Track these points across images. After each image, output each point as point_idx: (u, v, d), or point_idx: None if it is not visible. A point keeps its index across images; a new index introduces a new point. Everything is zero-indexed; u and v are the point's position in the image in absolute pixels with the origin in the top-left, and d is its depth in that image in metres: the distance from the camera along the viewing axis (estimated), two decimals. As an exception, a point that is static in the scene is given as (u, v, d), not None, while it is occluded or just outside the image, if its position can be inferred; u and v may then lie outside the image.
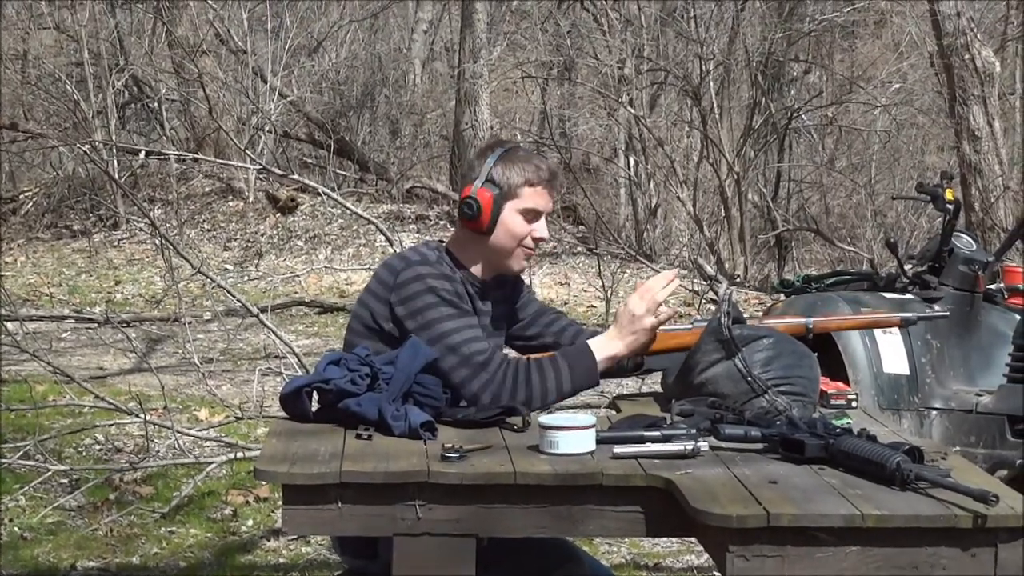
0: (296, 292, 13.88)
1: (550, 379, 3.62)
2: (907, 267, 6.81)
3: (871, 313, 5.94)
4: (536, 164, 3.78)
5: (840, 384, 3.81)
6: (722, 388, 3.52)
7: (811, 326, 3.84)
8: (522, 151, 3.84)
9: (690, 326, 3.81)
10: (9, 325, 8.06)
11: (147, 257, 15.79)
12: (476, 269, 3.80)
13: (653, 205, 16.70)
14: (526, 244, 3.78)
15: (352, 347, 3.66)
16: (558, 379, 3.62)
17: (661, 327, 3.77)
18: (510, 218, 3.75)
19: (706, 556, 5.59)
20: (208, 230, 16.71)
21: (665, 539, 6.14)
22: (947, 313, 4.67)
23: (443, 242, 3.85)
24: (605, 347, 3.72)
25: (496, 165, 3.74)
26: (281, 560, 6.00)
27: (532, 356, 3.74)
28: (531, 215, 3.77)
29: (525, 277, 4.05)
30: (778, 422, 3.27)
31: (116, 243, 16.58)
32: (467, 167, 3.83)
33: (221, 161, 15.10)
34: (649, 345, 3.75)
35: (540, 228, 3.79)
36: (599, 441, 3.20)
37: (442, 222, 16.25)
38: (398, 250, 3.82)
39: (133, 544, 6.18)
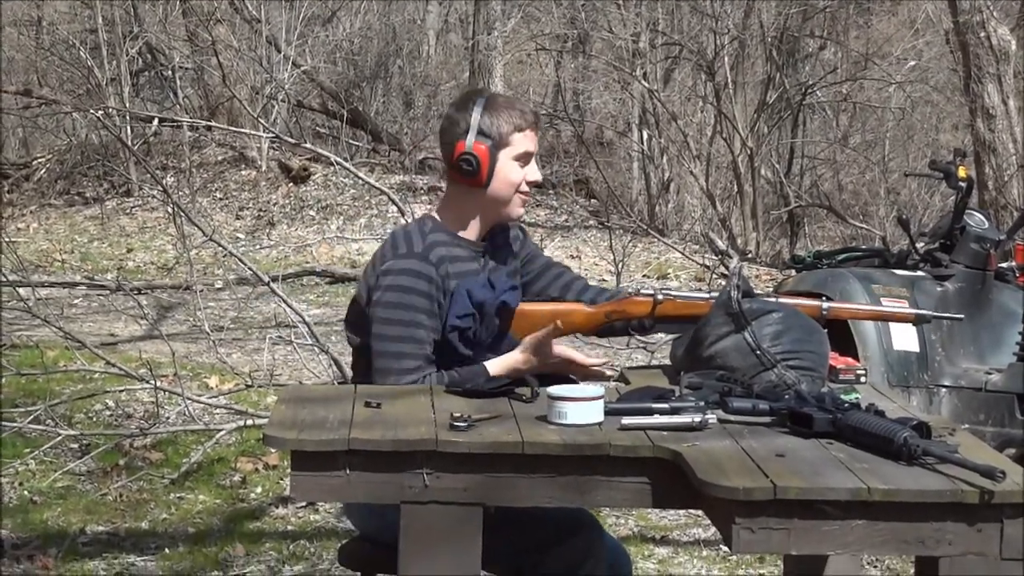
0: (307, 262, 13.89)
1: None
2: (919, 244, 6.80)
3: (886, 298, 5.96)
4: (520, 108, 3.79)
5: (849, 359, 3.81)
6: (731, 361, 3.52)
7: (826, 311, 3.84)
8: (501, 97, 3.84)
9: (706, 296, 3.82)
10: (21, 291, 8.07)
11: (159, 225, 15.80)
12: (473, 228, 3.80)
13: (666, 179, 16.68)
14: (522, 189, 3.79)
15: (355, 327, 3.73)
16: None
17: (676, 295, 3.80)
18: (506, 166, 3.75)
19: (713, 529, 5.61)
20: (220, 199, 16.71)
21: (672, 512, 6.15)
22: (961, 317, 4.69)
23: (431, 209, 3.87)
24: (499, 365, 3.72)
25: (483, 116, 3.73)
26: (289, 527, 6.03)
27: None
28: (524, 159, 3.78)
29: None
30: (786, 396, 3.28)
31: (128, 210, 16.59)
32: (448, 122, 3.79)
33: (234, 129, 15.11)
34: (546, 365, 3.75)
35: (532, 171, 3.81)
36: (607, 412, 3.21)
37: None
38: (402, 223, 3.83)
39: (142, 509, 6.21)
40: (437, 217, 3.81)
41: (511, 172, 3.76)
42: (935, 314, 4.23)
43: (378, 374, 3.62)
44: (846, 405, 3.16)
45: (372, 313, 3.65)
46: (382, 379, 3.61)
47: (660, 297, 3.83)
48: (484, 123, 3.72)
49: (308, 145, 10.22)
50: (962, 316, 4.71)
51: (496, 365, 3.68)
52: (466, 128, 3.73)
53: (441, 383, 3.57)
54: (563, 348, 3.76)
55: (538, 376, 3.58)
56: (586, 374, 3.79)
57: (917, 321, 4.13)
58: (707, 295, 3.82)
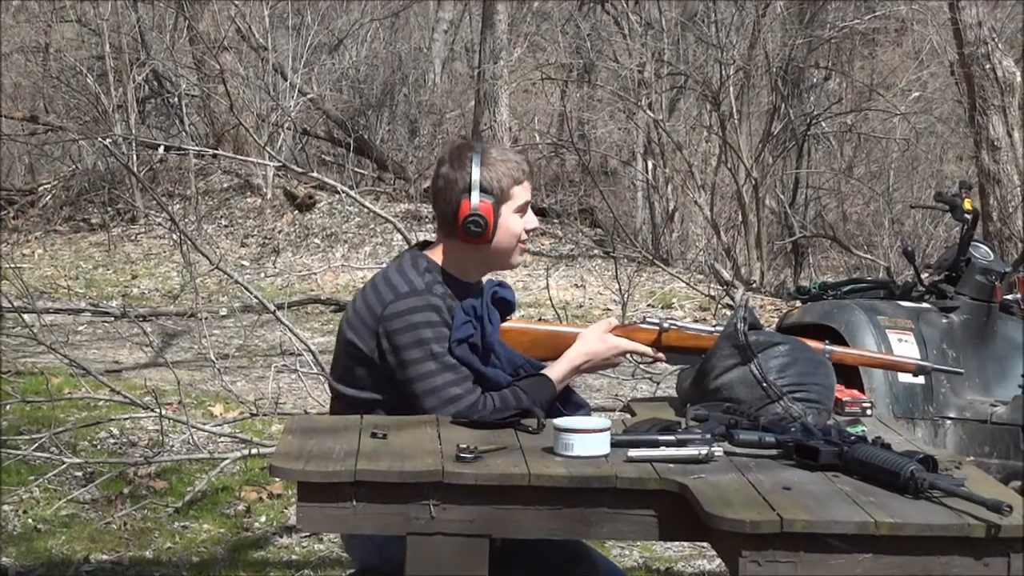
0: (312, 289, 13.90)
1: (514, 402, 3.63)
2: (924, 276, 6.80)
3: (892, 330, 5.96)
4: (515, 160, 3.78)
5: (855, 392, 3.81)
6: (737, 393, 3.52)
7: (828, 354, 3.83)
8: (494, 150, 3.80)
9: (712, 329, 3.82)
10: (26, 317, 8.08)
11: (164, 252, 15.81)
12: (474, 275, 3.81)
13: (670, 209, 16.69)
14: (522, 239, 3.81)
15: (348, 371, 3.71)
16: (518, 402, 3.63)
17: (683, 327, 3.82)
18: (508, 219, 3.75)
19: (718, 561, 5.60)
20: (226, 226, 16.73)
21: (677, 543, 6.13)
22: (961, 372, 4.70)
23: (422, 243, 3.86)
24: (560, 369, 3.75)
25: (482, 172, 3.71)
26: (293, 557, 6.02)
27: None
28: (523, 209, 3.79)
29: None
30: (792, 428, 3.28)
31: (134, 237, 16.60)
32: (444, 181, 3.74)
33: (240, 157, 15.13)
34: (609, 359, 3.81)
35: (531, 219, 3.82)
36: (614, 444, 3.21)
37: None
38: (387, 267, 3.81)
39: (146, 538, 6.20)
40: (435, 261, 3.78)
41: (513, 225, 3.76)
42: (935, 366, 4.24)
43: (434, 413, 3.60)
44: (852, 438, 3.16)
45: (398, 359, 3.62)
46: (445, 412, 3.60)
47: (666, 326, 3.85)
48: (485, 180, 3.71)
49: (314, 173, 10.24)
50: (962, 371, 4.73)
51: (557, 369, 3.72)
52: (466, 186, 3.71)
53: (507, 403, 3.58)
54: (616, 338, 3.80)
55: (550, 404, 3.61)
56: (642, 358, 3.87)
57: (918, 372, 4.15)
58: (712, 328, 3.82)
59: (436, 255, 3.79)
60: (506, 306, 3.85)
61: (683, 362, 3.85)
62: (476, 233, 3.71)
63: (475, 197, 3.70)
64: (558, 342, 3.79)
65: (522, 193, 3.77)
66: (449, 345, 3.63)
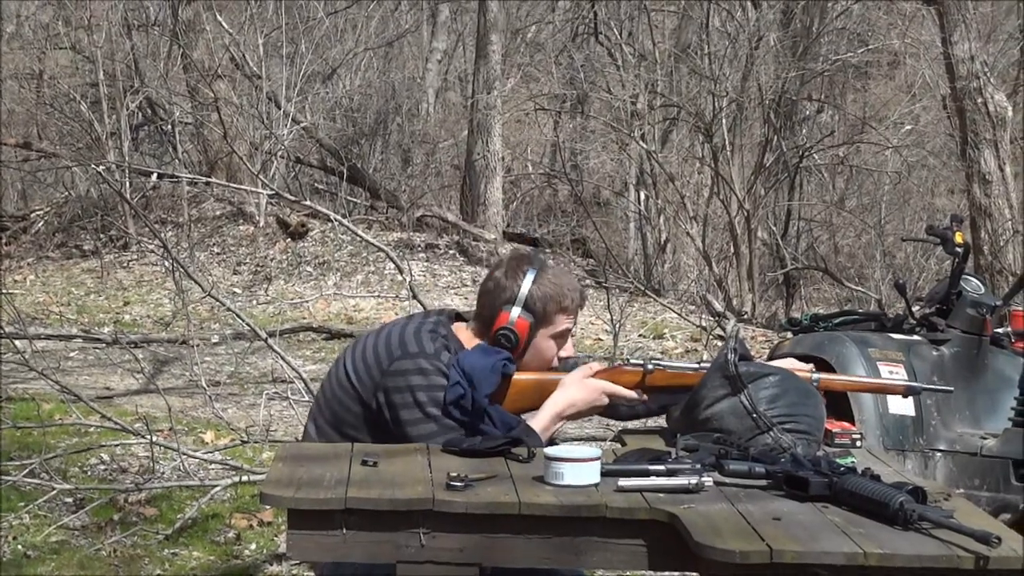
0: (304, 317, 13.89)
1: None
2: (915, 308, 6.81)
3: (882, 362, 5.96)
4: (569, 288, 3.75)
5: (845, 423, 3.82)
6: (727, 424, 3.53)
7: (815, 382, 3.82)
8: (551, 271, 3.76)
9: (696, 366, 3.81)
10: (18, 343, 8.08)
11: (156, 279, 15.81)
12: None
13: (663, 240, 16.73)
14: (552, 366, 3.79)
15: (340, 403, 3.71)
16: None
17: (666, 365, 3.79)
18: (543, 344, 3.74)
19: (707, 592, 5.58)
20: (218, 253, 16.74)
21: (667, 573, 6.13)
22: (951, 389, 4.71)
23: (455, 315, 3.83)
24: (542, 418, 3.72)
25: (531, 289, 3.69)
26: (283, 585, 6.01)
27: None
28: (561, 337, 3.77)
29: None
30: (783, 459, 3.28)
31: (126, 264, 16.61)
32: (494, 284, 3.74)
33: (233, 185, 15.16)
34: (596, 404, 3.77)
35: (567, 348, 3.80)
36: (604, 473, 3.21)
37: (451, 251, 16.26)
38: (409, 321, 3.83)
39: (136, 565, 6.18)
40: (458, 339, 3.76)
41: (546, 350, 3.76)
42: (925, 386, 4.23)
43: None
44: (842, 469, 3.17)
45: (393, 416, 3.63)
46: None
47: (651, 367, 3.82)
48: (531, 298, 3.69)
49: (307, 201, 10.26)
50: (951, 389, 4.73)
51: (541, 419, 3.69)
52: (511, 297, 3.69)
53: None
54: (598, 382, 3.76)
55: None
56: (627, 402, 3.80)
57: (907, 393, 4.14)
58: (697, 365, 3.81)
59: (461, 335, 3.78)
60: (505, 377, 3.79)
61: (669, 401, 3.84)
62: (505, 347, 3.69)
63: (515, 312, 3.69)
64: (544, 390, 3.75)
65: (565, 321, 3.75)
66: (445, 407, 3.62)
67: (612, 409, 3.90)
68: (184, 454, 7.08)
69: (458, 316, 3.85)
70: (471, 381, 3.62)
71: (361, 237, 9.15)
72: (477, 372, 3.63)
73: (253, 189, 14.46)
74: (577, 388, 3.74)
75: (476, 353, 3.67)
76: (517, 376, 3.75)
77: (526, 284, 3.69)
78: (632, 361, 3.85)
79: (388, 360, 3.64)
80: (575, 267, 16.15)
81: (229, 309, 8.00)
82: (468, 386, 3.63)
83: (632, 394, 3.79)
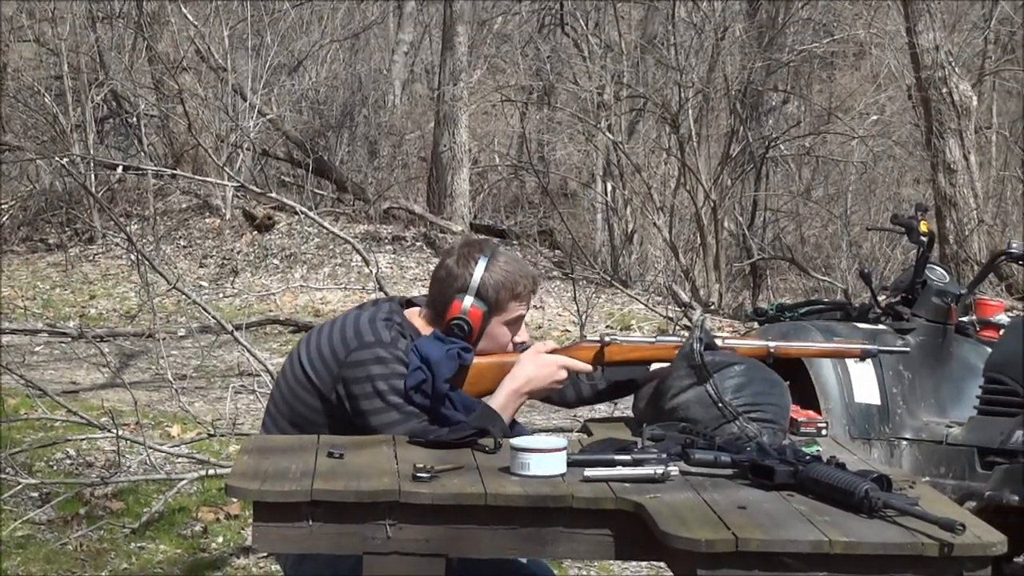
0: (271, 310, 13.86)
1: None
2: (880, 298, 6.84)
3: (838, 342, 5.98)
4: (521, 275, 3.73)
5: (811, 412, 3.83)
6: (693, 413, 3.53)
7: (772, 349, 3.84)
8: (502, 257, 3.74)
9: (652, 340, 3.81)
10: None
11: (122, 272, 15.74)
12: None
13: (629, 231, 16.74)
14: (507, 350, 3.78)
15: (297, 398, 3.69)
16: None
17: (623, 340, 3.79)
18: (497, 330, 3.73)
19: (675, 581, 5.60)
20: (184, 246, 16.67)
21: (634, 563, 6.14)
22: (907, 349, 4.71)
23: (406, 301, 3.82)
24: (500, 396, 3.70)
25: (483, 277, 3.67)
26: (250, 578, 6.00)
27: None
28: (515, 323, 3.76)
29: None
30: (748, 448, 3.29)
31: (91, 257, 16.53)
32: (445, 272, 3.71)
33: (199, 178, 15.10)
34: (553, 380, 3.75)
35: (521, 334, 3.79)
36: (570, 464, 3.21)
37: (419, 243, 16.24)
38: (362, 311, 3.82)
39: (103, 559, 6.17)
40: (412, 325, 3.75)
41: (501, 337, 3.74)
42: (881, 348, 4.23)
43: None
44: (807, 457, 3.18)
45: (354, 408, 3.61)
46: None
47: (607, 340, 3.81)
48: (483, 286, 3.67)
49: (273, 194, 10.24)
50: (908, 350, 4.72)
51: (499, 398, 3.66)
52: (463, 286, 3.67)
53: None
54: (553, 356, 3.75)
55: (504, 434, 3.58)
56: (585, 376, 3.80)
57: (864, 356, 4.15)
58: (653, 339, 3.81)
59: (415, 320, 3.77)
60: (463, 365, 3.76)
61: (627, 375, 3.86)
62: (459, 336, 3.68)
63: (468, 301, 3.67)
64: (504, 371, 3.73)
65: (518, 308, 3.73)
66: (407, 393, 3.61)
67: (561, 394, 3.90)
68: (150, 448, 7.07)
69: (409, 302, 3.84)
70: (430, 367, 3.62)
71: (328, 229, 9.14)
72: (434, 358, 3.62)
73: (219, 181, 14.43)
74: (534, 364, 3.71)
75: (432, 341, 3.66)
76: (476, 360, 3.74)
77: (478, 272, 3.67)
78: (588, 339, 3.85)
79: (345, 352, 3.63)
80: (542, 258, 16.17)
81: (195, 302, 7.99)
82: (428, 372, 3.62)
83: (589, 368, 3.78)
